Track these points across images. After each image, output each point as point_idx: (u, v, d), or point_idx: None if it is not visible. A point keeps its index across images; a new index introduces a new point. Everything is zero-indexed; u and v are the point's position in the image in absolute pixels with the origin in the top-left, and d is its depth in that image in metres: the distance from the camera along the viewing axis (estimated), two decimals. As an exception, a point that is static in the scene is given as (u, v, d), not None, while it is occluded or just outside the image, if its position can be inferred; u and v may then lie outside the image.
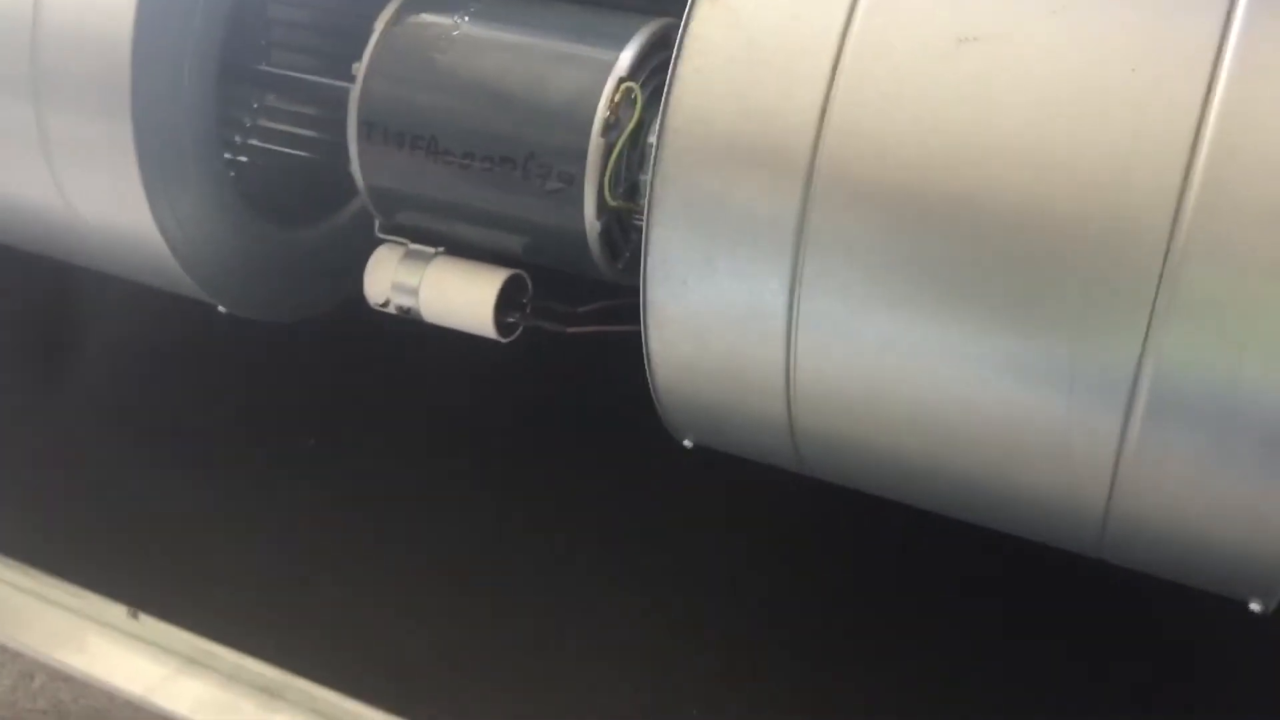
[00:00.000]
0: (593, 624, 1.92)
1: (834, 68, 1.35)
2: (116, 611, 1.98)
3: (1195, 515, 1.35)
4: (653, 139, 1.74)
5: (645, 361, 1.58)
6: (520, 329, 1.95)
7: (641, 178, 1.75)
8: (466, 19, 1.84)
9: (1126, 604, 1.84)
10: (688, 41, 1.42)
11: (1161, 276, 1.24)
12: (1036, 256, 1.30)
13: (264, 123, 2.29)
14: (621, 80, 1.72)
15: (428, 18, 1.86)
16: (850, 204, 1.36)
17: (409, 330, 2.02)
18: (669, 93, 1.43)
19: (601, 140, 1.71)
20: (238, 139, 2.31)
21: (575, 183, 1.73)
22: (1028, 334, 1.32)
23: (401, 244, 1.97)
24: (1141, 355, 1.27)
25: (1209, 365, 1.26)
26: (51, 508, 2.19)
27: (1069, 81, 1.29)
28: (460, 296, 1.92)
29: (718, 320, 1.48)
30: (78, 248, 2.03)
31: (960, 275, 1.33)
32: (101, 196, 1.87)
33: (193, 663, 1.92)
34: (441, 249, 1.95)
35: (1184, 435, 1.30)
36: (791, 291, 1.41)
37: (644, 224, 1.46)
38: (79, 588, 2.01)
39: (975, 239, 1.31)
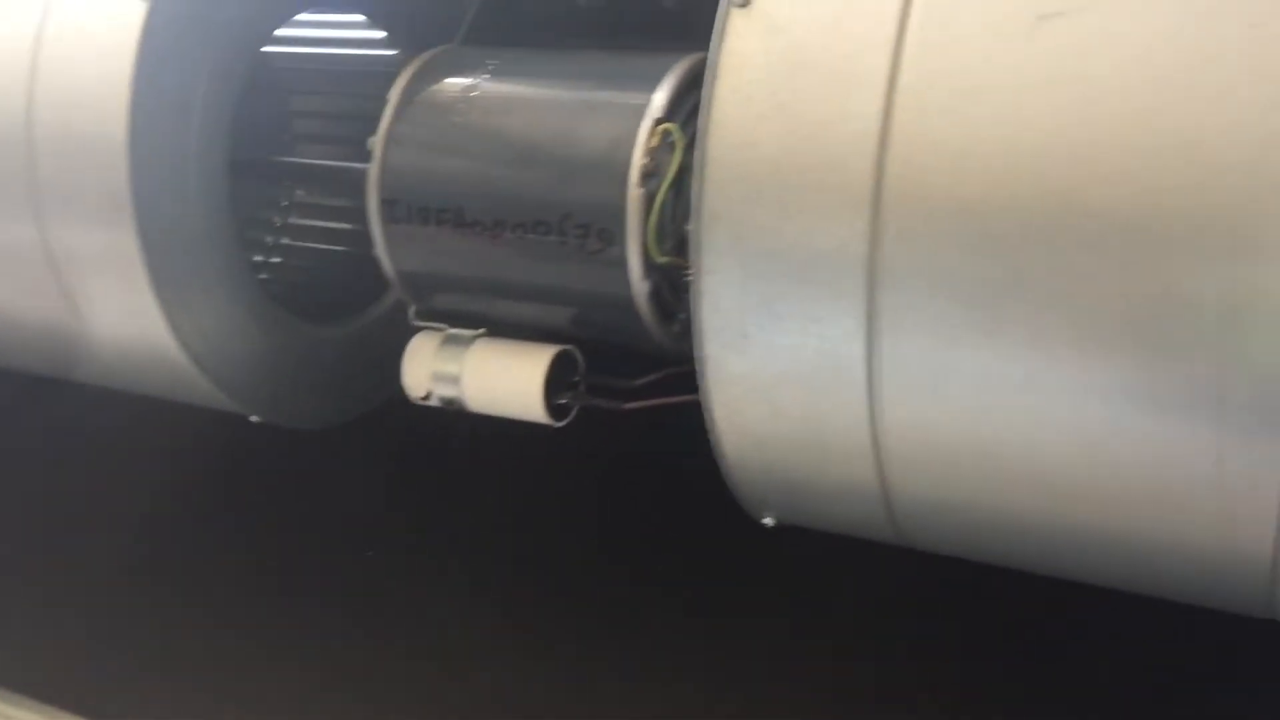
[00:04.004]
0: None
1: (894, 65, 1.15)
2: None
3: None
4: (699, 184, 1.59)
5: (709, 431, 1.37)
6: (574, 410, 1.76)
7: (688, 228, 1.57)
8: (486, 78, 1.69)
9: None
10: (722, 58, 1.23)
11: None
12: (1161, 260, 1.08)
13: (294, 220, 2.17)
14: (657, 122, 1.54)
15: (445, 81, 1.72)
16: (927, 222, 1.16)
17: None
18: (705, 117, 1.24)
19: (640, 191, 1.53)
20: (269, 239, 2.20)
21: (616, 241, 1.56)
22: (1160, 355, 1.10)
23: (440, 329, 1.81)
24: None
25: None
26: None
27: (1178, 48, 1.08)
28: (506, 381, 1.75)
29: (786, 374, 1.27)
30: (99, 370, 1.89)
31: (1069, 291, 1.11)
32: (115, 310, 1.75)
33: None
34: (483, 331, 1.78)
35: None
36: (869, 332, 1.21)
37: (693, 270, 1.27)
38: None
39: (1083, 246, 1.09)
